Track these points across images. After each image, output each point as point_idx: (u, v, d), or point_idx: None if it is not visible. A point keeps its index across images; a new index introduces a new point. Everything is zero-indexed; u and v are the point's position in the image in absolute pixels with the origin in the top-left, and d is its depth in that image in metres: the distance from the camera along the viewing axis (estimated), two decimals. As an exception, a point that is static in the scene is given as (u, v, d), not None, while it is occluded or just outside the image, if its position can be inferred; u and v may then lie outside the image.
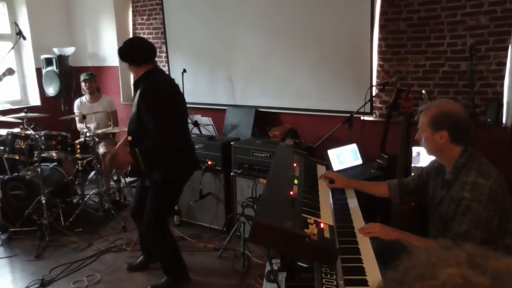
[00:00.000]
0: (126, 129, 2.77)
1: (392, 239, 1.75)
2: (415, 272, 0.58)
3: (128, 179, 4.69)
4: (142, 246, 3.14)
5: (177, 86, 2.77)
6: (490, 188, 1.63)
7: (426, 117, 1.77)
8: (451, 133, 1.72)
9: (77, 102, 4.65)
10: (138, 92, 2.62)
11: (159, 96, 2.57)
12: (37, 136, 3.71)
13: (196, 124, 4.37)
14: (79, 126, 4.51)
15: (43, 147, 3.76)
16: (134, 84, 2.77)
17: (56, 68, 4.86)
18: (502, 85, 3.26)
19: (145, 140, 2.53)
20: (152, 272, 3.09)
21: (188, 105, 4.54)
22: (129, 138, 2.66)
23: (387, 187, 2.16)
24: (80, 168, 4.05)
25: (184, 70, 4.52)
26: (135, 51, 2.64)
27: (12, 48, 4.46)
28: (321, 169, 2.45)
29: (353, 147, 3.39)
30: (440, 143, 1.75)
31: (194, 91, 4.81)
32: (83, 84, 4.55)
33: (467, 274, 0.54)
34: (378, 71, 3.77)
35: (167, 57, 5.13)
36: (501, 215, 1.69)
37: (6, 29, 5.21)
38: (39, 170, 3.58)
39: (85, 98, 4.65)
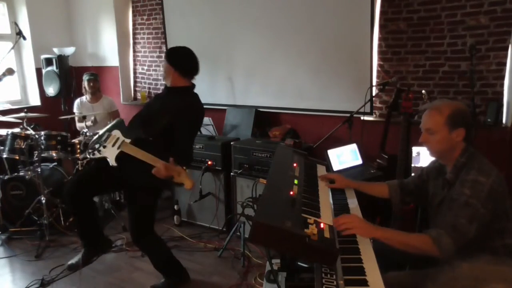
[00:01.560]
0: None
1: (372, 237, 1.65)
2: (458, 285, 0.58)
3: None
4: (85, 236, 2.80)
5: None
6: (490, 186, 1.63)
7: (442, 116, 1.74)
8: (467, 130, 1.74)
9: (77, 102, 4.65)
10: (176, 101, 2.61)
11: (201, 118, 2.75)
12: (37, 136, 3.71)
13: (196, 124, 4.37)
14: (79, 125, 4.51)
15: (43, 147, 3.76)
16: (168, 90, 2.71)
17: (56, 68, 4.87)
18: (502, 85, 3.26)
19: (150, 145, 2.46)
20: (153, 272, 3.08)
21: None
22: (150, 138, 2.54)
23: (388, 188, 2.16)
24: (80, 168, 4.05)
25: (184, 70, 4.52)
26: (189, 61, 2.66)
27: (12, 48, 4.46)
28: (321, 169, 2.45)
29: (353, 147, 3.39)
30: (455, 141, 1.75)
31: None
32: (86, 83, 4.54)
33: None
34: (378, 71, 3.77)
35: (167, 57, 5.13)
36: (500, 215, 1.69)
37: (6, 29, 5.21)
38: (39, 170, 3.58)
39: (85, 98, 4.65)
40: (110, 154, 2.45)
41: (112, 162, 2.41)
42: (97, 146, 2.52)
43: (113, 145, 2.48)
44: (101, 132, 2.67)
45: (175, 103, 2.61)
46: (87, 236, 2.80)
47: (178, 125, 2.53)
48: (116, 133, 2.55)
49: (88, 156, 2.58)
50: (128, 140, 2.47)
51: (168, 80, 2.68)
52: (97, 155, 2.49)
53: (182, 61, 2.63)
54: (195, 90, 2.76)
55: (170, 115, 2.55)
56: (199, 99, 2.76)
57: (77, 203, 2.65)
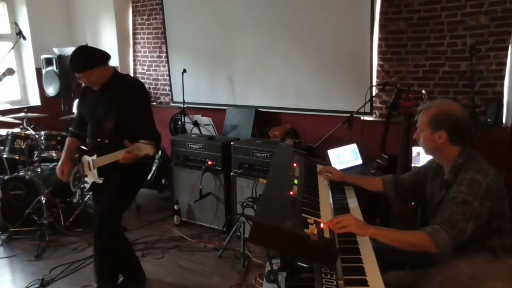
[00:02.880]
0: None
1: (367, 235, 1.64)
2: (457, 283, 0.58)
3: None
4: (122, 265, 2.87)
5: None
6: (487, 185, 1.63)
7: (426, 117, 1.78)
8: (450, 133, 1.73)
9: (77, 101, 4.64)
10: (114, 94, 2.52)
11: (145, 94, 2.72)
12: (37, 136, 3.72)
13: (196, 124, 4.37)
14: None
15: (43, 147, 3.76)
16: (103, 87, 2.58)
17: (56, 68, 4.86)
18: (502, 85, 3.26)
19: (112, 145, 2.47)
20: (152, 271, 3.09)
21: (188, 105, 4.63)
22: (106, 141, 2.55)
23: (381, 182, 2.17)
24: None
25: (184, 70, 4.52)
26: (98, 51, 2.58)
27: (12, 48, 4.46)
28: (321, 169, 2.46)
29: (353, 147, 3.39)
30: (438, 143, 1.75)
31: (194, 91, 4.82)
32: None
33: None
34: (378, 71, 3.77)
35: (167, 57, 5.13)
36: (499, 215, 1.69)
37: (6, 29, 5.21)
38: (39, 170, 3.58)
39: (85, 98, 4.65)
40: (93, 177, 2.60)
41: (98, 180, 2.57)
42: (80, 180, 2.68)
43: (89, 169, 2.62)
44: (74, 170, 2.70)
45: (115, 97, 2.53)
46: (125, 268, 2.88)
47: (129, 112, 2.50)
48: (84, 159, 2.65)
49: (79, 192, 2.76)
50: (94, 157, 2.57)
51: (102, 81, 2.57)
52: (87, 185, 2.66)
53: (100, 55, 2.55)
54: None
55: (117, 112, 2.50)
56: (129, 76, 2.78)
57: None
